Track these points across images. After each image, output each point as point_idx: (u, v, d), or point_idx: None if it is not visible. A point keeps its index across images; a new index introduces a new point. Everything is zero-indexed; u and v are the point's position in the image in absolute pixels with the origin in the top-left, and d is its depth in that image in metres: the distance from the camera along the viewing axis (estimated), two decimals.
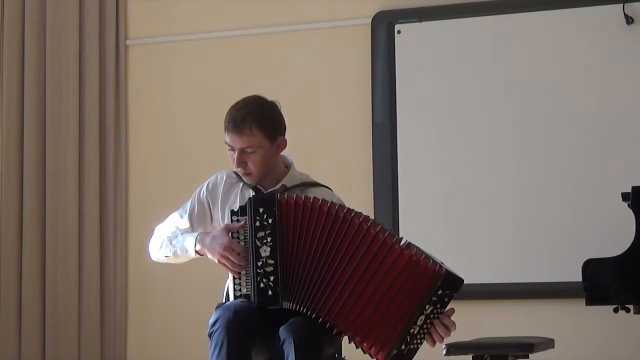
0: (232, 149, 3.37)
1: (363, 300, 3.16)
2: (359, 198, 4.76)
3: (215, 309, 3.31)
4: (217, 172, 3.57)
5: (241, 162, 3.36)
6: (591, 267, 4.05)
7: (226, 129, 3.36)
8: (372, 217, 3.28)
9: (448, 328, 3.16)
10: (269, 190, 3.40)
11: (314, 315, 3.19)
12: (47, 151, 5.84)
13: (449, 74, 5.34)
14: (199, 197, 3.52)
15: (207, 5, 5.79)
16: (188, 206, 3.53)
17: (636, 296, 4.03)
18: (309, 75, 5.61)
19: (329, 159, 5.47)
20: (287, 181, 3.43)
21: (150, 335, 5.75)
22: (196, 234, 3.42)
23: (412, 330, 3.14)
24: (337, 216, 3.19)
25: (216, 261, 3.31)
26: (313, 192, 3.38)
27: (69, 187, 5.80)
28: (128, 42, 5.91)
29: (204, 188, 3.52)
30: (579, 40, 5.17)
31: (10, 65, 5.91)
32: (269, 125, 3.37)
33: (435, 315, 3.14)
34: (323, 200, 3.23)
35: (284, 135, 3.43)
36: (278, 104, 3.45)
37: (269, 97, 3.49)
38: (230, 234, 3.29)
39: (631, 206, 4.09)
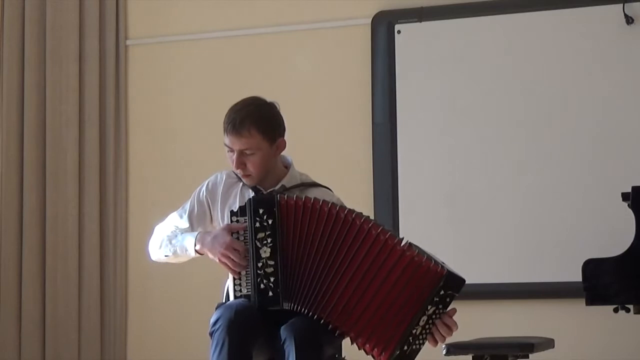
0: (231, 151, 3.37)
1: (365, 301, 3.16)
2: (359, 198, 4.76)
3: (216, 308, 3.31)
4: (217, 171, 3.56)
5: (240, 163, 3.36)
6: (591, 267, 4.05)
7: (225, 130, 3.35)
8: (372, 217, 3.28)
9: (450, 328, 3.17)
10: (269, 191, 3.40)
11: (315, 317, 3.19)
12: (47, 151, 5.84)
13: (449, 74, 5.34)
14: (198, 197, 3.52)
15: (207, 5, 5.79)
16: (188, 206, 3.53)
17: (636, 296, 4.03)
18: (309, 75, 5.61)
19: (329, 159, 5.47)
20: (286, 181, 3.43)
21: (150, 335, 5.75)
22: (196, 233, 3.42)
23: (414, 331, 3.14)
24: (338, 217, 3.19)
25: (217, 260, 3.31)
26: (313, 193, 3.38)
27: (69, 187, 5.80)
28: (128, 42, 5.91)
29: (204, 188, 3.52)
30: (579, 40, 5.17)
31: (10, 65, 5.91)
32: (268, 126, 3.36)
33: (437, 316, 3.14)
34: (324, 201, 3.22)
35: (283, 136, 3.43)
36: (277, 105, 3.45)
37: (269, 97, 3.49)
38: (231, 233, 3.28)
39: (631, 206, 4.09)
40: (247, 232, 3.25)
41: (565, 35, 5.20)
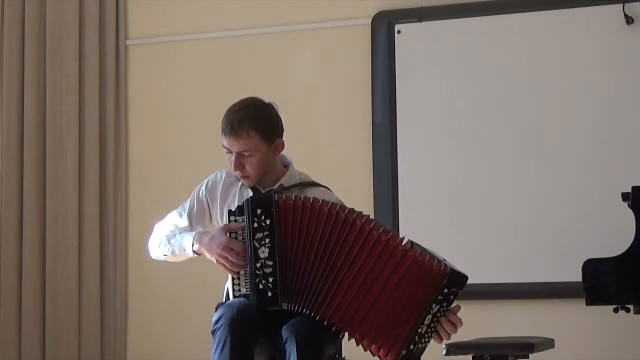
0: (230, 152, 3.36)
1: (368, 302, 3.16)
2: (359, 198, 4.76)
3: (216, 308, 3.30)
4: (217, 170, 3.56)
5: (239, 165, 3.36)
6: (591, 267, 4.05)
7: (223, 132, 3.35)
8: (372, 217, 3.27)
9: (455, 325, 3.17)
10: (266, 190, 3.39)
11: (317, 318, 3.18)
12: (47, 151, 5.84)
13: (449, 74, 5.34)
14: (198, 196, 3.52)
15: (207, 5, 5.79)
16: (187, 204, 3.53)
17: (636, 296, 4.03)
18: (309, 75, 5.61)
19: (329, 159, 5.47)
20: (285, 181, 3.42)
21: (150, 335, 5.75)
22: (194, 233, 3.42)
23: (420, 330, 3.14)
24: (338, 217, 3.18)
25: (214, 261, 3.31)
26: (311, 192, 3.37)
27: (69, 187, 5.80)
28: (128, 42, 5.91)
29: (203, 186, 3.52)
30: (579, 40, 5.17)
31: (10, 65, 5.91)
32: (266, 128, 3.35)
33: (442, 314, 3.14)
34: (323, 201, 3.22)
35: (281, 137, 3.42)
36: (275, 106, 3.43)
37: (269, 97, 3.48)
38: (228, 234, 3.28)
39: (631, 206, 4.09)
40: (245, 232, 3.24)
41: (565, 35, 5.20)
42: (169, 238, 3.49)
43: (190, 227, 3.50)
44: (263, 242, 3.22)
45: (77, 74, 5.85)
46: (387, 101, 5.40)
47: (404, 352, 3.14)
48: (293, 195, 3.25)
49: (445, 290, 3.12)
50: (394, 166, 5.37)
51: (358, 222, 3.17)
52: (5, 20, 5.94)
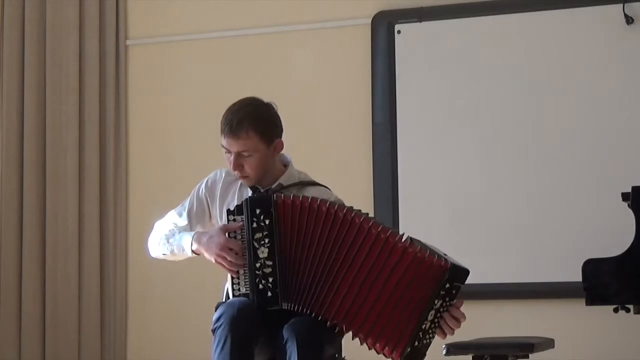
0: (229, 152, 3.36)
1: (370, 301, 3.15)
2: (359, 198, 4.75)
3: (216, 308, 3.30)
4: (217, 169, 3.56)
5: (238, 165, 3.35)
6: (591, 267, 4.05)
7: (222, 132, 3.34)
8: (371, 215, 3.27)
9: (458, 320, 3.16)
10: (265, 190, 3.38)
11: (319, 317, 3.18)
12: (47, 151, 5.84)
13: (449, 74, 5.34)
14: (197, 195, 3.52)
15: (207, 5, 5.79)
16: (187, 203, 3.53)
17: (636, 296, 4.03)
18: (309, 75, 5.60)
19: (329, 159, 5.47)
20: (284, 180, 3.42)
21: (150, 335, 5.75)
22: (193, 233, 3.42)
23: (424, 326, 3.13)
24: (337, 217, 3.18)
25: (213, 261, 3.31)
26: (310, 191, 3.37)
27: (69, 187, 5.80)
28: (128, 42, 5.91)
29: (203, 185, 3.52)
30: (579, 40, 5.17)
31: (10, 65, 5.91)
32: (265, 128, 3.34)
33: (445, 309, 3.14)
34: (322, 200, 3.21)
35: (280, 137, 3.41)
36: (274, 105, 3.43)
37: (269, 97, 3.48)
38: (227, 233, 3.28)
39: (631, 206, 4.09)
40: (244, 232, 3.24)
41: (565, 35, 5.20)
42: (167, 237, 3.49)
43: (190, 226, 3.50)
44: (262, 242, 3.21)
45: (77, 74, 5.85)
46: (387, 101, 5.40)
47: (409, 349, 3.14)
48: (292, 195, 3.25)
49: (447, 285, 3.12)
50: (394, 166, 5.37)
51: (357, 221, 3.17)
52: (5, 20, 5.94)
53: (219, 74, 5.74)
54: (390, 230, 3.17)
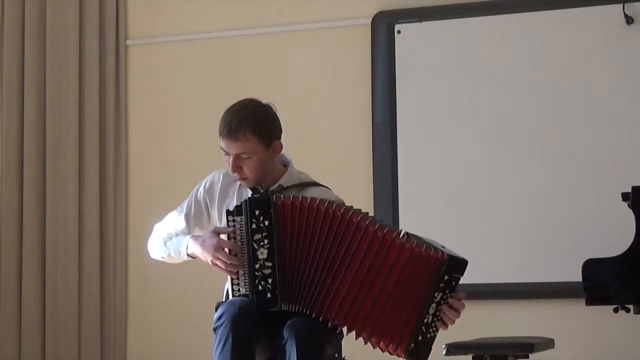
0: (228, 154, 3.36)
1: (370, 299, 3.15)
2: (359, 198, 4.75)
3: (216, 308, 3.30)
4: (215, 170, 3.56)
5: (237, 167, 3.35)
6: (591, 267, 4.05)
7: (221, 134, 3.33)
8: (370, 214, 3.27)
9: (457, 310, 3.16)
10: (264, 191, 3.38)
11: (320, 318, 3.18)
12: (47, 151, 5.84)
13: (448, 74, 5.34)
14: (195, 197, 3.51)
15: (207, 5, 5.79)
16: (185, 206, 3.52)
17: (636, 296, 4.03)
18: (309, 75, 5.61)
19: (329, 159, 5.47)
20: (284, 181, 3.41)
21: (150, 335, 5.75)
22: (189, 236, 3.42)
23: (426, 320, 3.13)
24: (335, 216, 3.17)
25: (210, 263, 3.31)
26: (311, 192, 3.36)
27: (69, 187, 5.80)
28: (128, 42, 5.91)
29: (201, 187, 3.51)
30: (579, 40, 5.17)
31: (10, 65, 5.91)
32: (264, 130, 3.34)
33: (445, 301, 3.14)
34: (320, 200, 3.21)
35: (279, 138, 3.40)
36: (273, 107, 3.41)
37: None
38: (226, 235, 3.28)
39: (631, 206, 4.09)
40: (244, 233, 3.24)
41: (565, 35, 5.20)
42: (165, 241, 3.49)
43: (188, 229, 3.50)
44: (262, 243, 3.21)
45: (77, 74, 5.85)
46: (387, 101, 5.40)
47: (413, 345, 3.14)
48: (291, 196, 3.24)
49: (446, 277, 3.11)
50: (394, 166, 5.37)
51: (354, 220, 3.16)
52: (5, 20, 5.94)
53: (219, 74, 5.74)
54: (387, 228, 3.16)
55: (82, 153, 5.83)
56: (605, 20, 5.12)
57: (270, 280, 3.20)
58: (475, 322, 5.07)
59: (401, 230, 3.19)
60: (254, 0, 5.71)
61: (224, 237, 3.28)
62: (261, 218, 3.20)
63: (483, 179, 5.26)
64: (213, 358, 3.18)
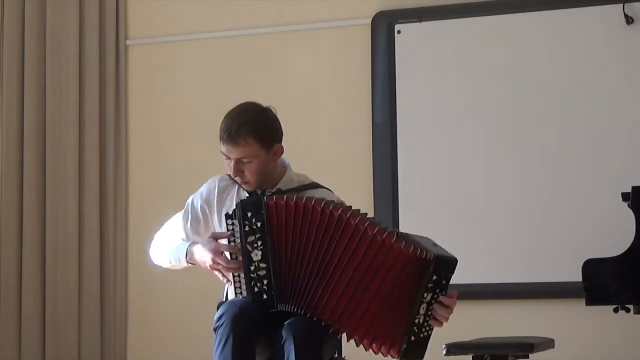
0: (229, 158, 3.36)
1: (364, 302, 3.15)
2: (359, 198, 4.76)
3: (217, 307, 3.30)
4: (213, 175, 3.55)
5: (238, 171, 3.34)
6: (591, 267, 4.05)
7: (221, 139, 3.33)
8: (369, 215, 3.26)
9: (448, 307, 3.15)
10: (255, 193, 3.38)
11: (315, 319, 3.18)
12: (47, 151, 5.84)
13: (448, 74, 5.34)
14: (193, 207, 3.50)
15: (207, 5, 5.79)
16: (182, 215, 3.52)
17: (636, 296, 4.03)
18: (309, 75, 5.60)
19: (329, 159, 5.46)
20: (282, 185, 3.41)
21: (150, 335, 5.74)
22: (187, 244, 3.43)
23: (416, 321, 3.13)
24: (332, 217, 3.15)
25: (209, 268, 3.31)
26: (311, 194, 3.35)
27: (69, 187, 5.80)
28: (128, 42, 5.91)
29: (198, 197, 3.49)
30: (579, 40, 5.17)
31: (10, 65, 5.91)
32: (264, 134, 3.33)
33: (436, 300, 3.13)
34: (315, 200, 3.20)
35: (280, 141, 3.40)
36: (273, 109, 3.41)
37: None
38: (226, 239, 3.28)
39: (631, 206, 4.09)
40: (239, 236, 3.24)
41: (566, 35, 5.19)
42: (165, 250, 3.51)
43: (187, 237, 3.50)
44: (255, 244, 3.21)
45: (77, 74, 5.85)
46: (387, 101, 5.40)
47: (405, 346, 3.14)
48: (284, 196, 3.23)
49: (435, 277, 3.11)
50: (394, 166, 5.37)
51: (352, 222, 3.15)
52: (5, 20, 5.94)
53: (219, 74, 5.74)
54: (386, 232, 3.15)
55: (82, 153, 5.83)
56: (605, 20, 5.12)
57: (265, 282, 3.20)
58: (475, 322, 5.08)
59: (388, 227, 3.18)
60: (254, 0, 5.70)
61: (223, 241, 3.29)
62: (253, 220, 3.20)
63: (483, 179, 5.26)
64: (213, 358, 3.18)
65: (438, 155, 5.33)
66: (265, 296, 3.20)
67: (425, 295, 3.12)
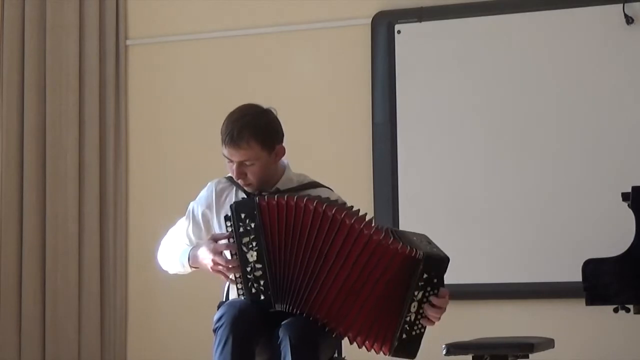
0: (231, 161, 3.36)
1: (359, 302, 3.15)
2: (359, 198, 4.75)
3: (218, 307, 3.31)
4: (209, 181, 3.55)
5: (241, 173, 3.35)
6: (591, 267, 4.05)
7: (223, 142, 3.33)
8: (371, 215, 3.26)
9: (439, 307, 3.14)
10: (249, 194, 3.38)
11: (311, 318, 3.18)
12: (47, 151, 5.84)
13: (449, 74, 5.34)
14: (193, 214, 3.51)
15: (207, 5, 5.79)
16: (183, 222, 3.53)
17: (636, 296, 4.03)
18: (309, 75, 5.60)
19: (329, 158, 5.46)
20: (282, 184, 3.41)
21: (150, 335, 5.74)
22: (189, 248, 3.44)
23: (407, 319, 3.13)
24: (326, 215, 3.14)
25: (211, 271, 3.31)
26: (311, 193, 3.35)
27: (69, 187, 5.80)
28: (128, 42, 5.91)
29: (197, 204, 3.51)
30: (579, 40, 5.17)
31: (10, 65, 5.91)
32: (266, 136, 3.33)
33: (427, 298, 3.13)
34: (308, 198, 3.19)
35: (281, 142, 3.40)
36: (274, 111, 3.41)
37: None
38: (216, 241, 3.29)
39: (631, 206, 4.09)
40: (235, 237, 3.24)
41: (566, 35, 5.19)
42: (169, 256, 3.53)
43: (190, 242, 3.52)
44: (250, 245, 3.21)
45: (77, 74, 5.85)
46: (387, 101, 5.40)
47: (397, 343, 3.14)
48: (276, 195, 3.24)
49: (425, 275, 3.11)
50: (394, 166, 5.37)
51: (347, 221, 3.15)
52: (5, 20, 5.94)
53: (219, 74, 5.74)
54: (373, 227, 3.14)
55: (82, 153, 5.83)
56: (605, 20, 5.12)
57: (262, 282, 3.20)
58: (475, 322, 5.09)
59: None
60: (254, 0, 5.70)
61: (223, 242, 3.29)
62: (247, 221, 3.20)
63: (483, 179, 5.26)
64: (213, 359, 3.18)
65: (438, 155, 5.33)
66: (262, 297, 3.20)
67: (416, 293, 3.12)
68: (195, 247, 3.41)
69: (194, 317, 5.42)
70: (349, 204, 3.30)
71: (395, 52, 5.40)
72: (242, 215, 3.21)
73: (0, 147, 5.89)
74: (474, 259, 5.17)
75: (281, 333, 3.16)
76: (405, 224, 5.23)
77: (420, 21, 5.39)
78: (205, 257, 3.31)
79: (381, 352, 3.19)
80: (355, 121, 5.49)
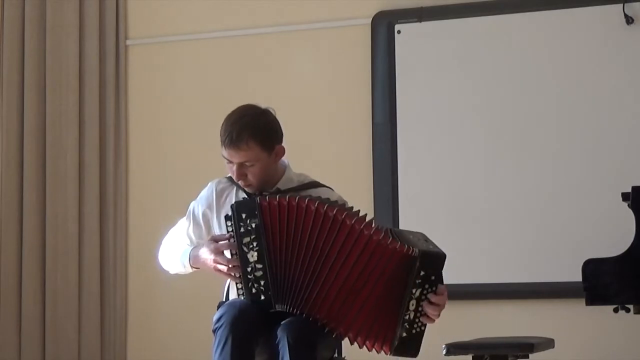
0: (231, 162, 3.36)
1: (359, 302, 3.15)
2: (359, 198, 4.75)
3: (218, 307, 3.31)
4: (210, 181, 3.55)
5: (241, 174, 3.34)
6: (591, 267, 4.05)
7: (223, 143, 3.33)
8: (371, 215, 3.26)
9: (438, 304, 3.14)
10: (250, 194, 3.38)
11: (311, 318, 3.18)
12: (47, 151, 5.84)
13: (449, 74, 5.34)
14: (194, 214, 3.51)
15: (207, 5, 5.79)
16: (184, 222, 3.53)
17: (636, 296, 4.03)
18: (309, 75, 5.61)
19: (329, 159, 5.46)
20: (282, 184, 3.41)
21: (150, 335, 5.74)
22: (190, 249, 3.44)
23: (406, 317, 3.13)
24: (327, 216, 3.15)
25: (212, 270, 3.31)
26: (311, 193, 3.35)
27: (69, 187, 5.80)
28: (128, 42, 5.91)
29: (198, 204, 3.51)
30: (579, 40, 5.17)
31: (10, 65, 5.91)
32: (265, 137, 3.33)
33: (425, 296, 3.13)
34: (311, 199, 3.19)
35: (281, 142, 3.40)
36: (272, 111, 3.41)
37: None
38: (216, 241, 3.29)
39: (631, 206, 4.09)
40: (235, 237, 3.24)
41: (566, 35, 5.20)
42: (170, 257, 3.53)
43: (191, 242, 3.52)
44: (251, 245, 3.21)
45: (77, 74, 5.85)
46: (387, 101, 5.40)
47: (397, 342, 3.14)
48: (277, 196, 3.24)
49: (422, 273, 3.10)
50: (394, 166, 5.37)
51: (348, 222, 3.15)
52: (5, 20, 5.94)
53: (218, 74, 5.74)
54: (374, 227, 3.15)
55: (82, 153, 5.83)
56: (605, 20, 5.12)
57: (262, 282, 3.20)
58: (475, 322, 5.09)
59: (378, 224, 3.17)
60: (254, 0, 5.70)
61: (224, 242, 3.29)
62: (248, 221, 3.20)
63: (483, 179, 5.26)
64: (213, 359, 3.18)
65: (438, 155, 5.33)
66: (262, 297, 3.20)
67: (413, 291, 3.12)
68: (196, 247, 3.41)
69: (194, 317, 5.42)
70: (349, 204, 3.30)
71: (395, 52, 5.40)
72: (243, 215, 3.21)
73: (0, 147, 5.89)
74: (474, 259, 5.17)
75: (280, 333, 3.16)
76: (405, 224, 5.23)
77: (420, 21, 5.39)
78: (206, 257, 3.31)
79: (382, 351, 3.18)
80: (355, 121, 5.49)
